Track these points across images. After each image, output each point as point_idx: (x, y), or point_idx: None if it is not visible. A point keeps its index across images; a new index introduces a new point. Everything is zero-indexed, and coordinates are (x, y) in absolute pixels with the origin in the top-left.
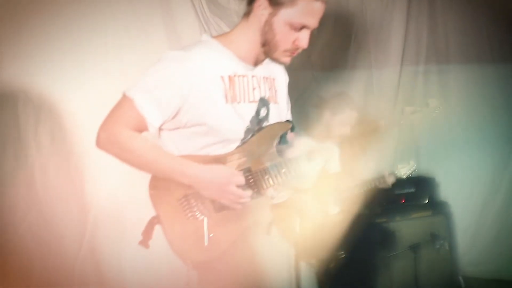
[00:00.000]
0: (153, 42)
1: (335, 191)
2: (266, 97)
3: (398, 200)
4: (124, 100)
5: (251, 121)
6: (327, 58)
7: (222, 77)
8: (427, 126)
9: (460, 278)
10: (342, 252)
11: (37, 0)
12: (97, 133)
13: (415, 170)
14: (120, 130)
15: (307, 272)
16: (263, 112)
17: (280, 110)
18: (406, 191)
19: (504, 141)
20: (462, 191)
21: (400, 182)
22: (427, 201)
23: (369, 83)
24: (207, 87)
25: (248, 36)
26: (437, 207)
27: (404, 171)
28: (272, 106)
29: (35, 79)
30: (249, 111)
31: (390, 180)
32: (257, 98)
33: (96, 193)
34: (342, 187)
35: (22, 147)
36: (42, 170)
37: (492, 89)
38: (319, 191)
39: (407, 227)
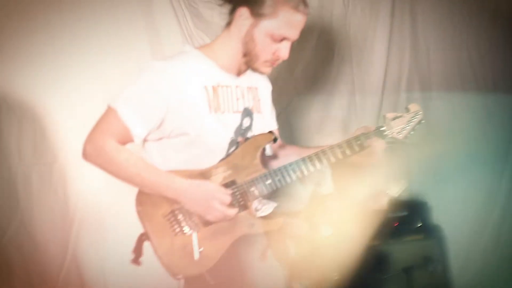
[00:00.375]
0: (135, 51)
1: (327, 212)
2: (250, 107)
3: (391, 223)
4: (109, 112)
5: (235, 132)
6: (311, 72)
7: (205, 87)
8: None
9: None
10: (335, 274)
11: (18, 9)
12: (83, 146)
13: (406, 189)
14: (106, 142)
15: None
16: (246, 122)
17: (264, 120)
18: (398, 214)
19: (495, 166)
20: (455, 214)
21: (393, 205)
22: (419, 225)
23: (352, 104)
24: (191, 97)
25: (230, 46)
26: (429, 230)
27: (395, 190)
28: (255, 115)
29: (18, 89)
30: (233, 121)
31: (383, 200)
32: (241, 108)
33: (79, 202)
34: (334, 209)
35: (5, 156)
36: (24, 180)
37: (478, 114)
38: (311, 213)
39: (400, 250)
